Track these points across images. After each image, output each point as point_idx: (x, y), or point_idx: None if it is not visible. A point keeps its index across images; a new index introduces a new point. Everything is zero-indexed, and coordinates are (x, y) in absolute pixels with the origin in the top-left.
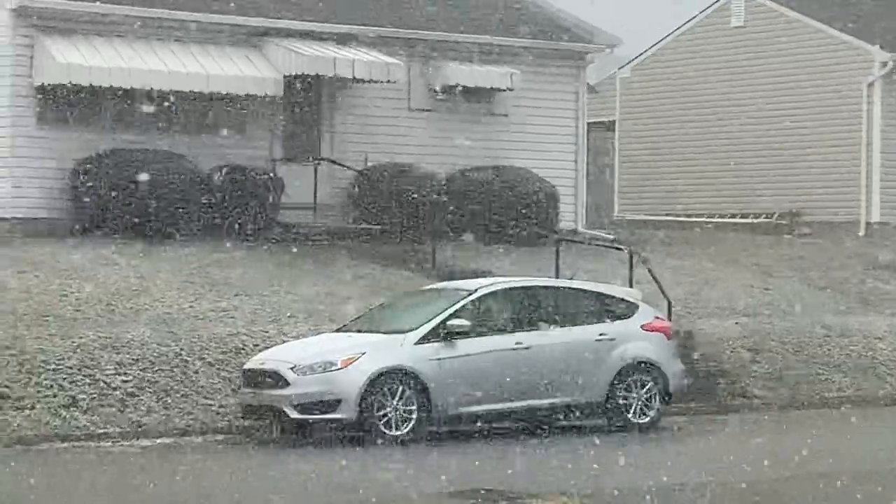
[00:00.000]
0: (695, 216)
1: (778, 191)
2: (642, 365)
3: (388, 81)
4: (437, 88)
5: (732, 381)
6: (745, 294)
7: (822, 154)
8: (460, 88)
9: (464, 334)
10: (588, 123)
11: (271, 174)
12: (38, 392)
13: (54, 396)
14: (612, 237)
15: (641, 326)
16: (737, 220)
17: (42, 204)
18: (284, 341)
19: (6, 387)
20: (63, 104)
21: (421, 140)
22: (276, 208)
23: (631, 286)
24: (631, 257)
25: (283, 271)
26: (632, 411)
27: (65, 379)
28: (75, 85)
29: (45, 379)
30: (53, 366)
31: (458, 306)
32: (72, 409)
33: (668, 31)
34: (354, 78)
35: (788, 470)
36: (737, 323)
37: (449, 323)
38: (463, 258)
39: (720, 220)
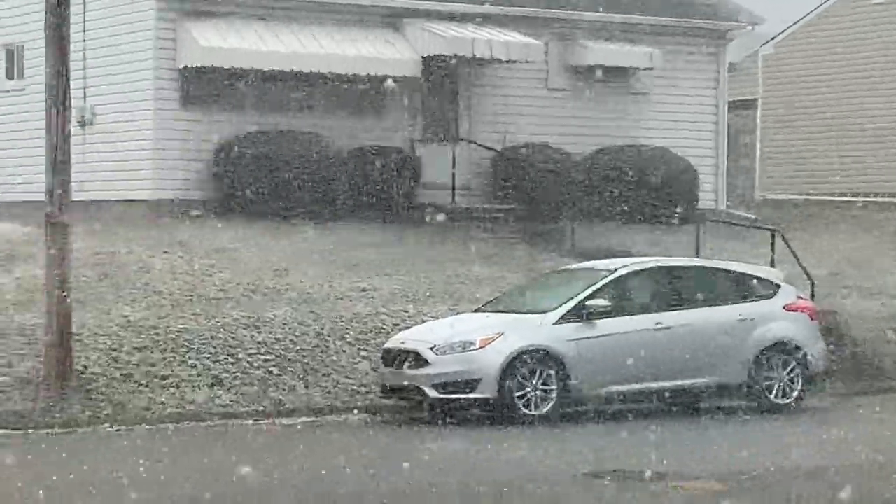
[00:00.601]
0: (838, 195)
1: None
2: (784, 345)
3: (527, 61)
4: (576, 68)
5: (877, 362)
6: (890, 274)
7: None
8: (599, 68)
9: (603, 314)
10: (729, 102)
11: (410, 155)
12: (183, 371)
13: (198, 375)
14: (753, 217)
15: (783, 307)
16: (882, 199)
17: (185, 185)
18: (424, 321)
19: (151, 365)
20: (205, 86)
21: (559, 120)
22: (415, 189)
23: (773, 266)
24: (773, 237)
25: (421, 251)
26: (773, 392)
27: (208, 358)
28: (217, 67)
29: (189, 358)
30: (197, 345)
31: (597, 286)
32: (215, 387)
33: (811, 8)
34: (493, 58)
35: None
36: (882, 303)
37: (588, 303)
38: (602, 238)
39: (864, 199)
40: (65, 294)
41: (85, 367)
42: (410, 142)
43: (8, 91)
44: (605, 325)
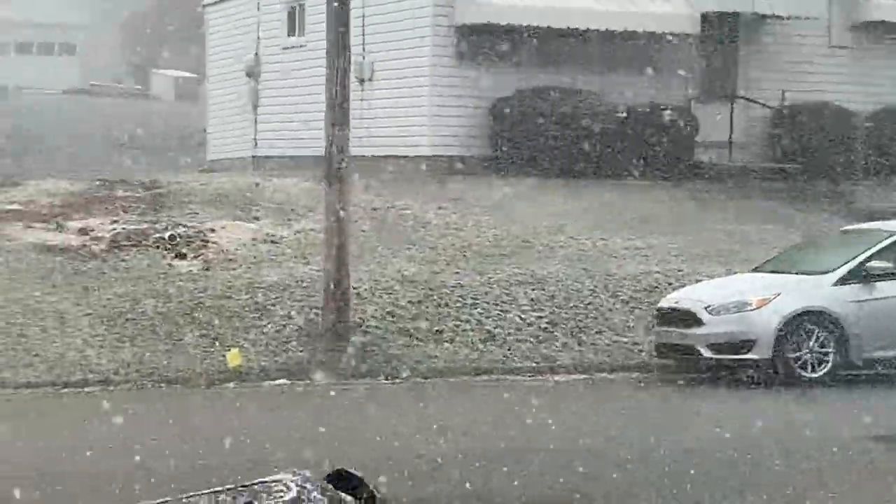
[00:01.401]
0: None
1: None
2: None
3: (807, 17)
4: (859, 24)
5: None
6: None
7: None
8: (884, 24)
9: (885, 276)
10: None
11: (687, 112)
12: (456, 325)
13: (471, 330)
14: None
15: None
16: None
17: (460, 142)
18: (698, 280)
19: (426, 320)
20: (481, 43)
21: (841, 77)
22: (691, 147)
23: None
24: None
25: (697, 210)
26: None
27: (481, 313)
28: (493, 24)
29: (463, 313)
30: (470, 300)
31: (879, 247)
32: (488, 342)
33: None
34: (773, 14)
35: None
36: None
37: (869, 264)
38: (883, 198)
39: None
40: (343, 248)
41: (362, 320)
42: (687, 99)
43: (289, 48)
44: (886, 288)
